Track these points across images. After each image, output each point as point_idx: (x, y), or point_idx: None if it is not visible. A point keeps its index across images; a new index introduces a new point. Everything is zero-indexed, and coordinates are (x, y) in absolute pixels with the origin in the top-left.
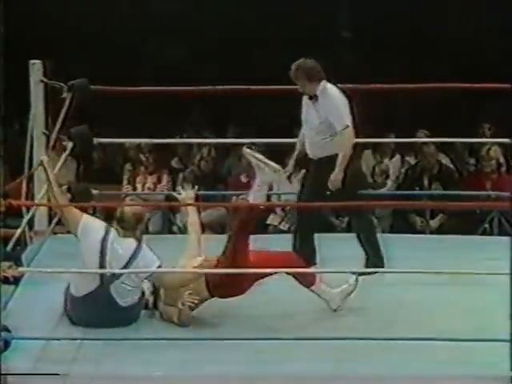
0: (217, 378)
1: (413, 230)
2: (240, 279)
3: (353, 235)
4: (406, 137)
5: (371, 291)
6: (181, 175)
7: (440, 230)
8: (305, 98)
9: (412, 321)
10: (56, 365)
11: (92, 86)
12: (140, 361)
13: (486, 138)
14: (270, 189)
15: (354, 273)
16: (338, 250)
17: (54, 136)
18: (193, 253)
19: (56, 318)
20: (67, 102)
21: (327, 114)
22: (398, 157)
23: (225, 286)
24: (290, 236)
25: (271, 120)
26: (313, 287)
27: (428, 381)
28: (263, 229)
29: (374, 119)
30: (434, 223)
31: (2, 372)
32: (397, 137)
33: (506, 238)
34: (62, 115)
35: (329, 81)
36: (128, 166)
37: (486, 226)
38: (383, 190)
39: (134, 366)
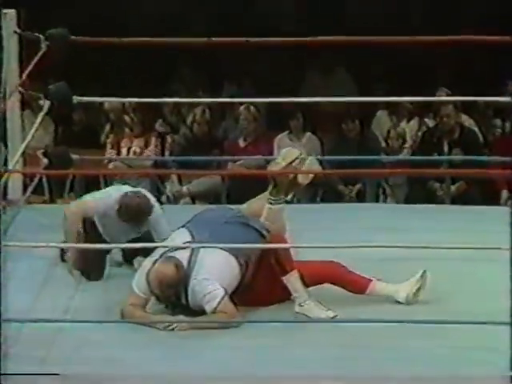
0: (211, 376)
1: (431, 199)
2: None
3: (363, 205)
4: (425, 96)
5: (384, 267)
6: (170, 139)
7: (462, 200)
8: None
9: (425, 302)
10: (33, 349)
11: (72, 37)
12: (123, 343)
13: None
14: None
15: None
16: (350, 222)
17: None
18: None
19: (32, 298)
20: (41, 53)
21: None
22: (415, 119)
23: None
24: (292, 206)
25: (271, 77)
26: (368, 291)
27: (426, 380)
28: None
29: (389, 77)
30: (454, 190)
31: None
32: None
33: None
34: (32, 64)
35: None
36: (110, 128)
37: None
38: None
39: (115, 350)
